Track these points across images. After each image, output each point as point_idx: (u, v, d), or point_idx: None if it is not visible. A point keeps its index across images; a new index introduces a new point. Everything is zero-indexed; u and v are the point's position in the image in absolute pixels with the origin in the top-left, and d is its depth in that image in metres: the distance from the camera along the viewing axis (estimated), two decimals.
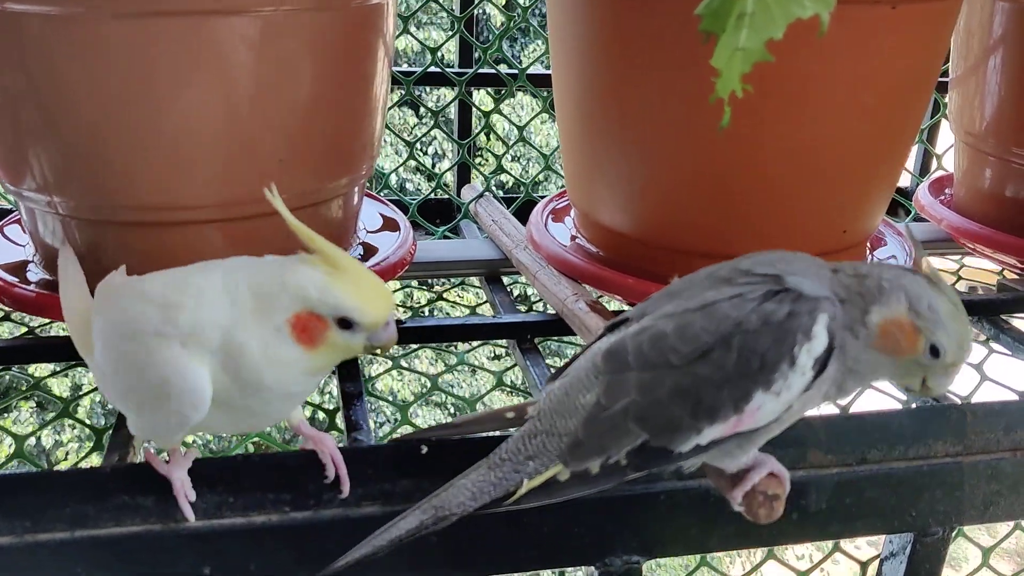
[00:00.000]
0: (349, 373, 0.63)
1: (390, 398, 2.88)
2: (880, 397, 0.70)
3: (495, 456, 0.46)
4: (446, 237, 0.90)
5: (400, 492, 0.50)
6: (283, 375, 0.43)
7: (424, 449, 0.51)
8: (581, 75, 0.66)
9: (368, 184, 0.90)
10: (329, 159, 0.61)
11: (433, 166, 3.16)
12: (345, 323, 0.42)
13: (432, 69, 0.91)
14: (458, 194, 0.95)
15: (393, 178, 3.24)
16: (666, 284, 0.64)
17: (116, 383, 0.46)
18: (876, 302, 0.43)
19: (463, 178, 0.96)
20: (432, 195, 0.95)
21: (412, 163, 3.45)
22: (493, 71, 0.93)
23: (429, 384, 0.69)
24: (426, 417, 3.18)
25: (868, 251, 0.73)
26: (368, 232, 0.73)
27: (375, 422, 3.12)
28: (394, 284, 0.90)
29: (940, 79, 1.00)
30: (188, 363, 0.42)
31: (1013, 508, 0.60)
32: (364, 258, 0.68)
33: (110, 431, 0.56)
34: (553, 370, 0.52)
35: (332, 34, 0.56)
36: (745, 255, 0.46)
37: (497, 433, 0.50)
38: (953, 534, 0.61)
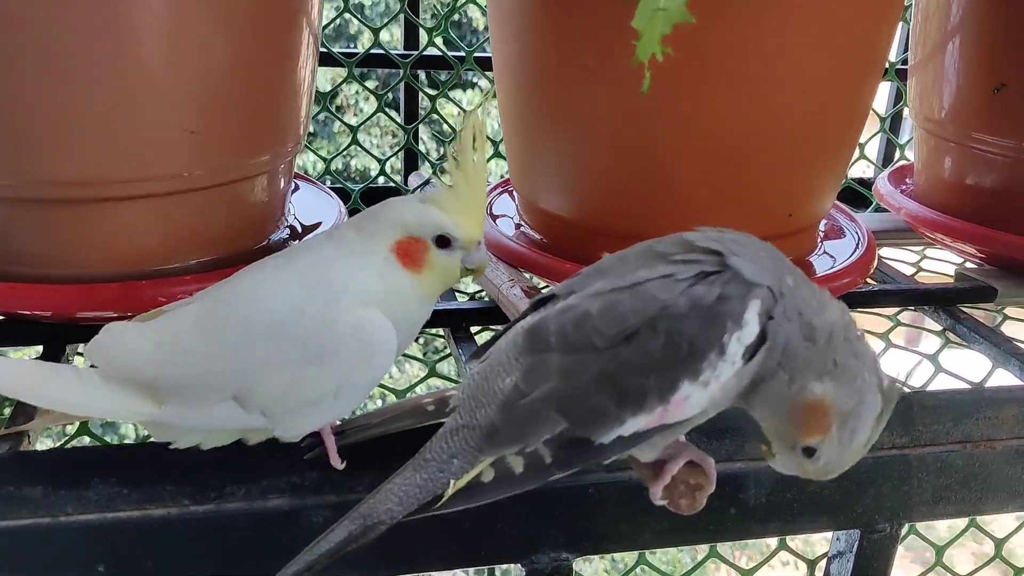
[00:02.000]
0: None
1: None
2: None
3: (420, 456, 0.42)
4: None
5: (309, 484, 0.47)
6: (405, 305, 0.46)
7: None
8: (517, 54, 0.63)
9: (338, 180, 0.87)
10: (247, 134, 0.58)
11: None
12: (443, 241, 0.45)
13: (376, 51, 0.88)
14: (405, 181, 0.92)
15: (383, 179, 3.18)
16: None
17: (281, 381, 0.44)
18: (827, 375, 0.39)
19: (412, 165, 0.93)
20: (377, 183, 0.91)
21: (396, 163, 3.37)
22: (439, 54, 0.90)
23: None
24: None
25: (820, 239, 0.71)
26: (300, 217, 0.70)
27: None
28: None
29: (901, 66, 0.99)
30: (375, 315, 0.44)
31: (964, 503, 0.58)
32: (293, 239, 0.65)
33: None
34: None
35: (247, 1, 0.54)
36: (695, 229, 0.43)
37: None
38: (903, 531, 0.59)
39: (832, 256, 0.67)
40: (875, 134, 1.06)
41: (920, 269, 0.86)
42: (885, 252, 0.91)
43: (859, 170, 1.07)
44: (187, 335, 0.44)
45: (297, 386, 0.43)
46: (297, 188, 0.75)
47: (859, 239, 0.70)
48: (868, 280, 0.70)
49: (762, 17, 0.52)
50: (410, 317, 0.47)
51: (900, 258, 0.88)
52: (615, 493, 0.51)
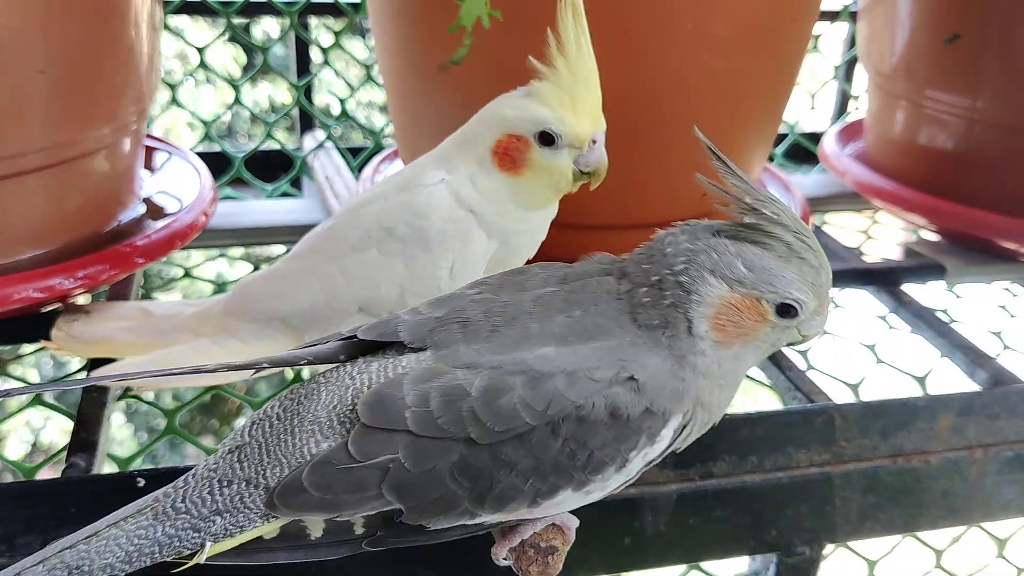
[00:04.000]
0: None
1: None
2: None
3: (166, 501, 0.33)
4: (288, 195, 0.78)
5: None
6: (501, 212, 0.43)
7: (141, 483, 0.41)
8: (393, 8, 0.55)
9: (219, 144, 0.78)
10: (67, 107, 0.49)
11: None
12: (546, 138, 0.42)
13: None
14: (299, 144, 0.82)
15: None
16: None
17: (397, 279, 0.44)
18: (690, 304, 0.33)
19: (307, 125, 0.83)
20: (265, 146, 0.81)
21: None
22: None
23: None
24: None
25: None
26: (157, 190, 0.61)
27: None
28: (203, 254, 0.78)
29: (855, 8, 0.89)
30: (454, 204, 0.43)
31: (895, 521, 0.52)
32: (150, 218, 0.57)
33: None
34: None
35: None
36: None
37: None
38: (826, 552, 0.52)
39: None
40: (827, 83, 0.98)
41: (869, 237, 0.78)
42: (832, 218, 0.83)
43: (811, 123, 0.99)
44: (300, 258, 0.46)
45: (414, 280, 0.43)
46: (169, 158, 0.67)
47: (795, 208, 0.62)
48: None
49: None
50: (511, 225, 0.44)
51: (849, 225, 0.80)
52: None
